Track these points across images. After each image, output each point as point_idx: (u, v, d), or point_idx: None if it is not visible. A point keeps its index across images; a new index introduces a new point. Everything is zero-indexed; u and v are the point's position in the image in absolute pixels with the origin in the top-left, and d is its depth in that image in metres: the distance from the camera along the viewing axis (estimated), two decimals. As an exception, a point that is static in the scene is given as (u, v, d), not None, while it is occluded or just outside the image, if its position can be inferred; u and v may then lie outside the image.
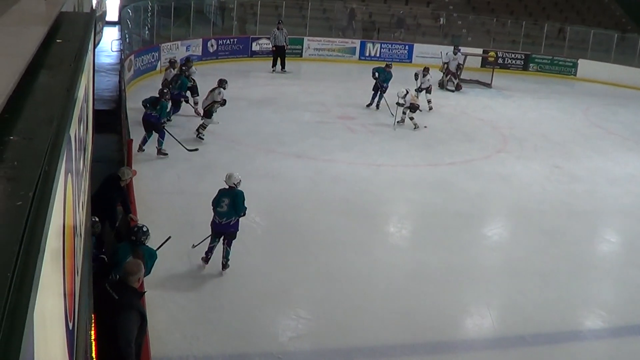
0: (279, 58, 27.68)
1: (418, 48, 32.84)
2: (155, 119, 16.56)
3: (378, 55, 32.12)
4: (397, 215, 15.57)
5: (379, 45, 32.42)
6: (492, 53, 31.75)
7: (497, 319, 11.37)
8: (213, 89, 18.27)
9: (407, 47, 32.85)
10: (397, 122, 20.86)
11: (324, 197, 15.45)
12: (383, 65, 23.43)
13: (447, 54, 28.28)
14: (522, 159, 19.64)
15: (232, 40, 29.32)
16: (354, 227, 13.81)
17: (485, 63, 31.42)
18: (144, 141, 16.72)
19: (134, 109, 18.29)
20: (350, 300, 11.17)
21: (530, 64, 34.20)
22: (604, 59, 34.31)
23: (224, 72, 22.85)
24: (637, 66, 33.88)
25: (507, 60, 33.67)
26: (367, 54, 32.07)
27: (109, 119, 16.94)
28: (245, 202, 11.33)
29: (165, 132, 16.79)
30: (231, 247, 11.48)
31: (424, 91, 23.11)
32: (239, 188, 11.41)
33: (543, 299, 11.85)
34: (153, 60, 25.17)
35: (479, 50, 32.30)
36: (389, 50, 32.46)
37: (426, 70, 23.42)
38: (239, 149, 17.89)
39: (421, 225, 15.02)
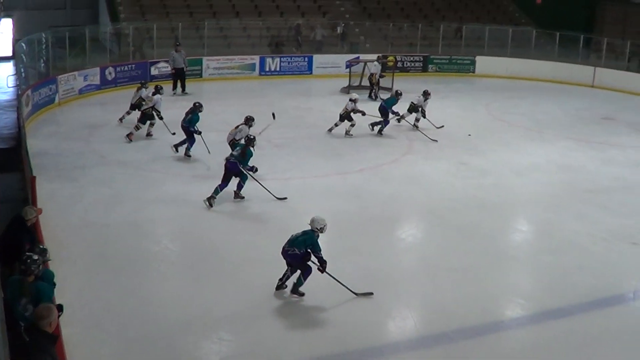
0: (179, 80, 27.43)
1: (318, 59, 32.88)
2: (235, 166, 15.78)
3: (278, 69, 32.05)
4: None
5: (279, 59, 32.33)
6: (391, 57, 32.04)
7: (419, 318, 11.47)
8: (237, 126, 17.95)
9: (306, 59, 32.86)
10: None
11: (236, 216, 15.34)
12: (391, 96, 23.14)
13: (374, 65, 28.38)
14: (429, 159, 19.89)
15: (130, 66, 28.83)
16: (269, 244, 13.59)
17: (385, 68, 31.65)
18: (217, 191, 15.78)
19: (35, 145, 17.90)
20: (272, 318, 11.12)
21: (430, 65, 34.70)
22: (500, 54, 35.19)
23: (125, 99, 22.58)
24: (533, 58, 34.81)
25: (407, 64, 34.07)
26: (268, 69, 31.92)
27: (9, 157, 16.52)
28: (313, 246, 11.34)
29: (250, 176, 16.08)
30: (303, 279, 11.52)
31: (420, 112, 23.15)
32: (320, 234, 11.46)
33: (462, 294, 11.98)
34: (51, 93, 24.57)
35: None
36: (289, 64, 32.41)
37: (426, 94, 23.22)
38: (146, 176, 17.58)
39: (336, 233, 14.84)
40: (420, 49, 35.38)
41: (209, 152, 18.79)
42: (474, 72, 34.86)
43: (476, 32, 36.89)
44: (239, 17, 35.51)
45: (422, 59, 34.70)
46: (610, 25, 40.90)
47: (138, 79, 27.20)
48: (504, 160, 19.86)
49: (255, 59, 31.86)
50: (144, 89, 21.69)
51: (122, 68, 28.46)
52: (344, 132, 21.94)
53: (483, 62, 34.80)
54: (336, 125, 22.05)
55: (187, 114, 19.08)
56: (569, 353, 10.66)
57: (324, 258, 11.36)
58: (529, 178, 18.61)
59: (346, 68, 30.37)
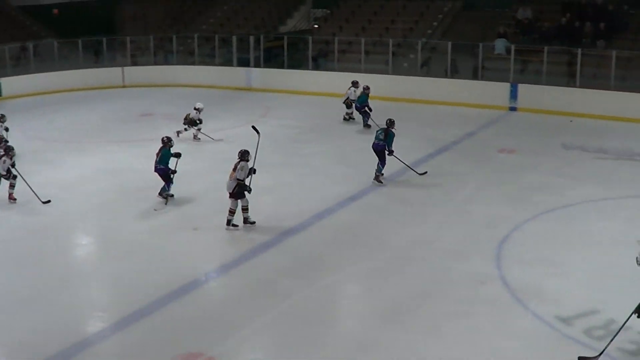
0: None
1: None
2: (382, 147, 18.38)
3: None
4: None
5: None
6: None
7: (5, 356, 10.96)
8: (235, 166, 15.32)
9: None
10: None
11: None
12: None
13: None
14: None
15: None
16: None
17: None
18: (379, 168, 18.56)
19: None
20: None
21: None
22: (25, 71, 34.30)
23: None
24: (58, 70, 34.74)
25: None
26: None
27: None
28: None
29: (396, 157, 18.67)
30: None
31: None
32: None
33: (46, 322, 11.69)
34: None
35: None
36: None
37: (355, 83, 25.93)
38: None
39: None
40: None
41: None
42: (1, 95, 33.50)
43: (-1, 54, 35.49)
44: None
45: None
46: (132, 24, 41.94)
47: None
48: (47, 179, 19.08)
49: None
50: None
51: None
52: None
53: (9, 83, 33.51)
54: (185, 130, 23.56)
55: (157, 154, 17.32)
56: (150, 350, 10.91)
57: None
58: (79, 191, 18.34)
59: None
